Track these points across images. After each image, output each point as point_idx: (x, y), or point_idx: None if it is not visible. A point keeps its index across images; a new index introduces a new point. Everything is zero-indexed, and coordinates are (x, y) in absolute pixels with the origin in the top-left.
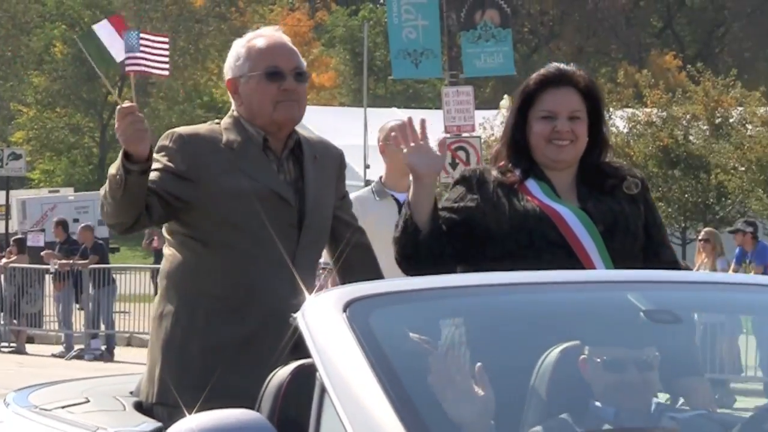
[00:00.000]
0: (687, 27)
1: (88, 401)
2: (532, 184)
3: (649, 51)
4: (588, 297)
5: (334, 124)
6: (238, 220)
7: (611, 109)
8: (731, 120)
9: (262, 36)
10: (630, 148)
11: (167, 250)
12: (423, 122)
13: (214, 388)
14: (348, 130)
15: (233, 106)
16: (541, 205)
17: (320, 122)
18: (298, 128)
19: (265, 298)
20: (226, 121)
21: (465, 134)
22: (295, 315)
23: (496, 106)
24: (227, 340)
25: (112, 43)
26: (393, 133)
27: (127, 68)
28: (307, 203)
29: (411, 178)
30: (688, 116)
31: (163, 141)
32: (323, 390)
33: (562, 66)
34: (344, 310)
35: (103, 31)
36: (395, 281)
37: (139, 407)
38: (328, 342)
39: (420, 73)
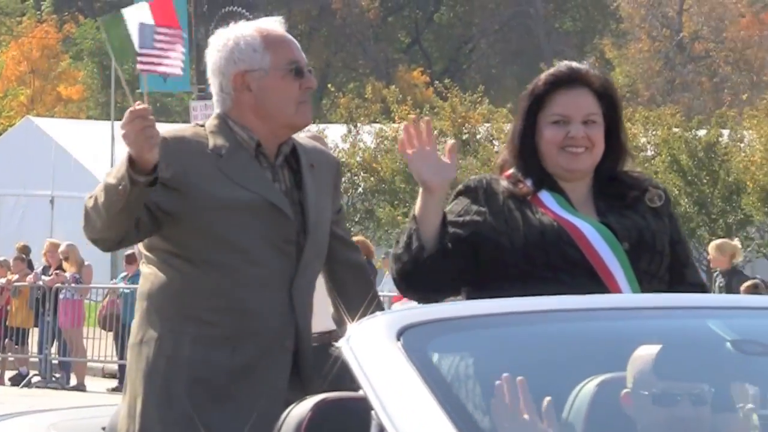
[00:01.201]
0: (434, 43)
1: None
2: (545, 196)
3: (396, 67)
4: (666, 325)
5: (82, 138)
6: (229, 235)
7: (358, 125)
8: (478, 136)
9: (271, 26)
10: (377, 164)
11: (146, 269)
12: (428, 123)
13: (204, 425)
14: (95, 144)
15: (219, 106)
16: (558, 219)
17: (68, 135)
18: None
19: (260, 323)
20: (211, 123)
21: None
22: (337, 344)
23: None
24: (217, 370)
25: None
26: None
27: (139, 66)
28: (309, 217)
29: (420, 191)
30: (435, 132)
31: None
32: (382, 429)
33: (574, 64)
34: (398, 339)
35: (136, 15)
36: (452, 306)
37: None
38: (384, 375)
39: (168, 86)
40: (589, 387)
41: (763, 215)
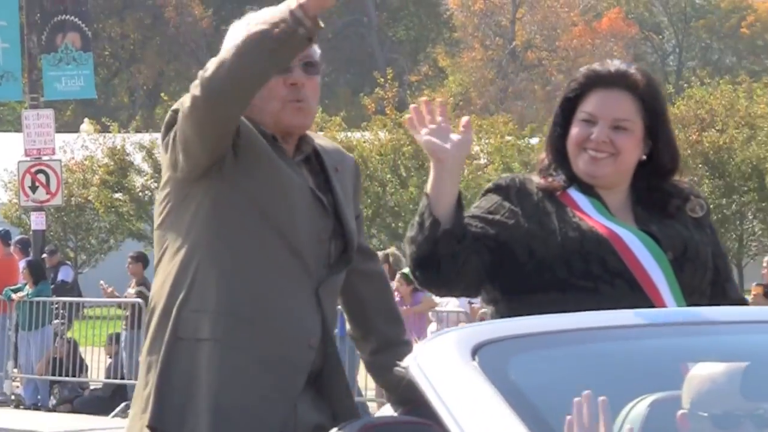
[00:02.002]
0: None
1: None
2: (581, 199)
3: None
4: (750, 340)
5: None
6: (277, 215)
7: None
8: None
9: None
10: None
11: (159, 266)
12: (442, 104)
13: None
14: None
15: None
16: (596, 225)
17: None
18: None
19: (282, 319)
20: None
21: (45, 157)
22: (404, 363)
23: (77, 130)
24: (232, 371)
25: None
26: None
27: None
28: (345, 222)
29: (432, 164)
30: None
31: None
32: None
33: (620, 63)
34: (473, 357)
35: None
36: (527, 321)
37: None
38: (461, 397)
39: (0, 95)
40: (640, 407)
41: None
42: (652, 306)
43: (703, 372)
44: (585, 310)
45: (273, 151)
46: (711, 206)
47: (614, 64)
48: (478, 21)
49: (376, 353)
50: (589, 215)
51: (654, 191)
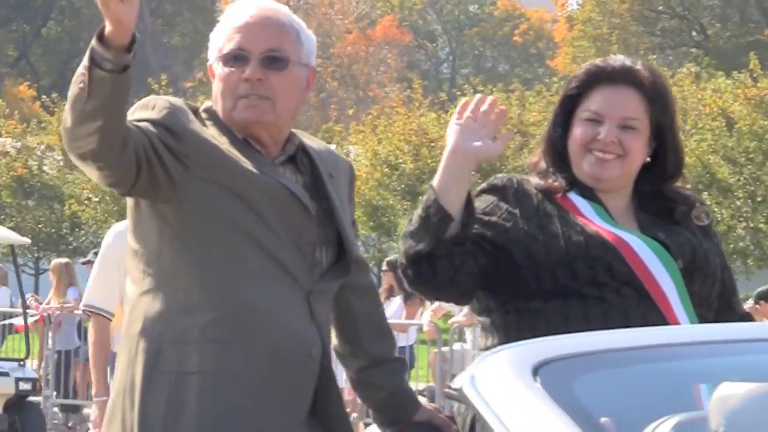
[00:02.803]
0: (43, 57)
1: None
2: (582, 203)
3: (3, 81)
4: None
5: None
6: (239, 218)
7: None
8: None
9: (237, 6)
10: None
11: (131, 290)
12: (502, 111)
13: None
14: None
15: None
16: (600, 230)
17: None
18: None
19: (275, 325)
20: (204, 111)
21: None
22: (454, 386)
23: None
24: (230, 385)
25: None
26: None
27: None
28: (341, 226)
29: (444, 153)
30: (42, 146)
31: (142, 110)
32: None
33: (627, 60)
34: (534, 377)
35: None
36: (593, 336)
37: None
38: (527, 421)
39: None
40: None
41: (368, 229)
42: (661, 316)
43: (731, 392)
44: (591, 320)
45: (240, 155)
46: None
47: (618, 59)
48: None
49: (365, 370)
50: (591, 220)
51: (657, 197)
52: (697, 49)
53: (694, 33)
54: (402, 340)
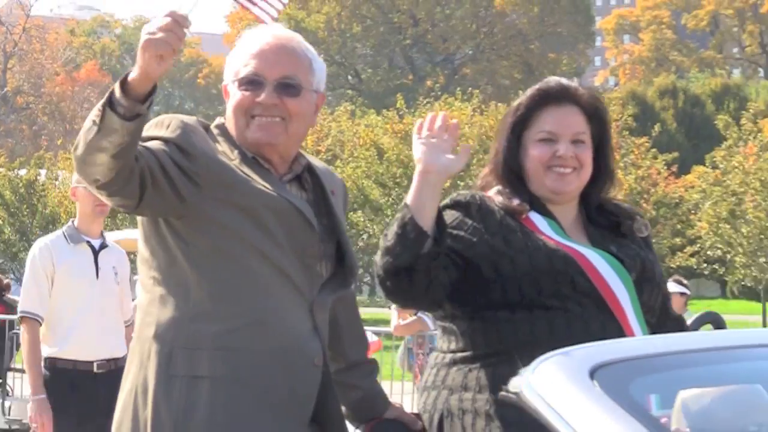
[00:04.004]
0: None
1: None
2: (538, 219)
3: None
4: None
5: None
6: (248, 234)
7: None
8: None
9: (257, 34)
10: None
11: (143, 297)
12: (455, 125)
13: None
14: None
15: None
16: (560, 246)
17: None
18: None
19: (284, 335)
20: (215, 129)
21: None
22: (512, 389)
23: None
24: (240, 392)
25: None
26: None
27: None
28: (343, 241)
29: (415, 173)
30: None
31: (157, 128)
32: None
33: (563, 80)
34: (591, 379)
35: None
36: (646, 340)
37: None
38: (589, 421)
39: None
40: None
41: None
42: (618, 326)
43: (697, 396)
44: (554, 329)
45: (250, 172)
46: None
47: (555, 80)
48: None
49: (342, 372)
50: (550, 236)
51: (602, 210)
52: (353, 90)
53: (350, 77)
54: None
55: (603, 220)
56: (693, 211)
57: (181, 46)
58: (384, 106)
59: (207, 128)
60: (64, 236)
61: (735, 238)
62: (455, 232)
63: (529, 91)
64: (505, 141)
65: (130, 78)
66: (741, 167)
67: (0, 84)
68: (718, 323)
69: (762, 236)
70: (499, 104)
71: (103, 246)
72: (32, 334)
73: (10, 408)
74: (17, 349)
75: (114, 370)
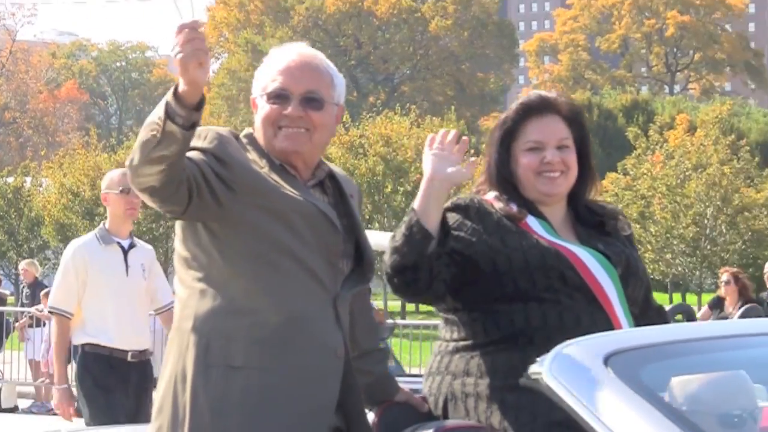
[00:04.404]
0: None
1: None
2: (531, 221)
3: None
4: None
5: None
6: (281, 237)
7: None
8: None
9: (283, 51)
10: None
11: (182, 291)
12: (465, 142)
13: None
14: None
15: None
16: (552, 244)
17: None
18: None
19: (314, 330)
20: (245, 137)
21: None
22: (532, 375)
23: None
24: (272, 381)
25: None
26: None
27: None
28: (362, 241)
29: (423, 181)
30: None
31: (195, 139)
32: None
33: (543, 93)
34: (605, 365)
35: None
36: (655, 330)
37: None
38: (604, 402)
39: None
40: None
41: (57, 241)
42: (606, 316)
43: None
44: (548, 320)
45: (278, 179)
46: (147, 228)
47: (537, 93)
48: None
49: (355, 359)
50: (543, 236)
51: (589, 211)
52: None
53: None
54: None
55: (589, 219)
56: None
57: (207, 45)
58: None
59: (237, 137)
60: (96, 238)
61: (644, 237)
62: (456, 232)
63: (514, 106)
64: (495, 153)
65: (180, 91)
66: (649, 173)
67: None
68: (689, 314)
69: (668, 235)
70: (434, 118)
71: (132, 246)
72: (61, 328)
73: (1, 390)
74: (6, 338)
75: (144, 360)
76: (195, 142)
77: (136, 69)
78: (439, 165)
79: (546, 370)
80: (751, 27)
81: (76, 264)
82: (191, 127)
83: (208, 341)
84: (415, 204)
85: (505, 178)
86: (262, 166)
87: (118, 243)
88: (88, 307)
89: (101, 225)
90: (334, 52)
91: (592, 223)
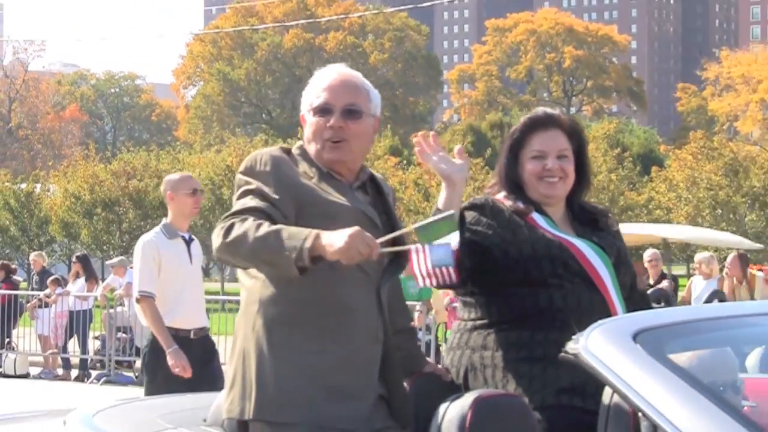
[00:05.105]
0: None
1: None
2: (537, 217)
3: None
4: None
5: None
6: None
7: None
8: None
9: (326, 71)
10: None
11: (249, 281)
12: (435, 137)
13: (317, 412)
14: None
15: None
16: (556, 237)
17: None
18: None
19: (361, 319)
20: (296, 151)
21: None
22: (570, 351)
23: None
24: (328, 361)
25: None
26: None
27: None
28: (396, 229)
29: (443, 184)
30: None
31: (252, 166)
32: (654, 427)
33: (548, 110)
34: (634, 341)
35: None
36: (678, 310)
37: (243, 428)
38: (635, 375)
39: None
40: None
41: (62, 237)
42: (603, 299)
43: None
44: (553, 301)
45: (327, 186)
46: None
47: (542, 110)
48: None
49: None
50: (547, 230)
51: (583, 210)
52: (266, 125)
53: (263, 115)
54: None
55: (584, 217)
56: None
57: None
58: (288, 136)
59: (289, 152)
60: (162, 233)
61: None
62: (473, 227)
63: (522, 120)
64: (505, 159)
65: (320, 254)
66: None
67: (6, 121)
68: (668, 299)
69: None
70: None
71: (191, 238)
72: (152, 307)
73: (15, 360)
74: (20, 316)
75: (204, 336)
76: (254, 166)
77: (127, 94)
78: (453, 168)
79: (582, 346)
80: (633, 59)
81: (152, 253)
82: (302, 270)
83: (272, 325)
84: (440, 203)
85: (513, 181)
86: (311, 176)
87: (182, 236)
88: (160, 292)
89: (163, 221)
90: (291, 81)
91: (587, 220)
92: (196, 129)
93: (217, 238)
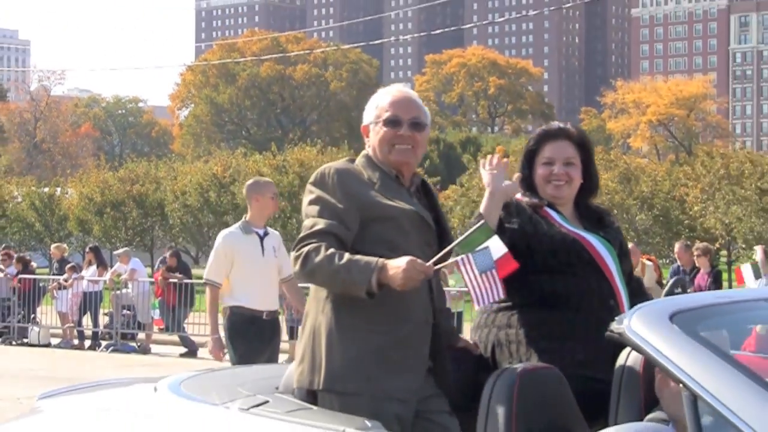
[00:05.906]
0: None
1: (262, 396)
2: (553, 213)
3: None
4: None
5: None
6: (394, 239)
7: None
8: None
9: (390, 90)
10: None
11: None
12: (500, 159)
13: (378, 384)
14: None
15: (366, 148)
16: (569, 232)
17: None
18: None
19: (415, 305)
20: (360, 160)
21: None
22: (615, 330)
23: None
24: (387, 341)
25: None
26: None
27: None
28: (447, 231)
29: (486, 193)
30: None
31: (321, 178)
32: (695, 397)
33: (561, 124)
34: (671, 322)
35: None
36: (709, 294)
37: (312, 396)
38: (672, 351)
39: None
40: None
41: (78, 231)
42: (610, 285)
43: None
44: (569, 286)
45: (390, 191)
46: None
47: (555, 124)
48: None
49: None
50: (562, 224)
51: (589, 210)
52: (245, 140)
53: (243, 132)
54: None
55: (590, 215)
56: (449, 212)
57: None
58: (264, 149)
59: (353, 160)
60: (240, 229)
61: None
62: (504, 225)
63: (537, 131)
64: (521, 165)
65: (388, 284)
66: (477, 185)
67: (32, 137)
68: (684, 286)
69: None
70: (333, 148)
71: (266, 233)
72: (213, 295)
73: (39, 332)
74: (43, 296)
75: (274, 318)
76: (323, 178)
77: (132, 114)
78: (497, 181)
79: (626, 326)
80: (546, 88)
81: (225, 247)
82: (370, 294)
83: (339, 309)
84: (482, 209)
85: (527, 183)
86: (375, 182)
87: (256, 232)
88: (235, 279)
89: (243, 218)
90: (266, 104)
91: (593, 218)
92: (188, 143)
93: (295, 266)
